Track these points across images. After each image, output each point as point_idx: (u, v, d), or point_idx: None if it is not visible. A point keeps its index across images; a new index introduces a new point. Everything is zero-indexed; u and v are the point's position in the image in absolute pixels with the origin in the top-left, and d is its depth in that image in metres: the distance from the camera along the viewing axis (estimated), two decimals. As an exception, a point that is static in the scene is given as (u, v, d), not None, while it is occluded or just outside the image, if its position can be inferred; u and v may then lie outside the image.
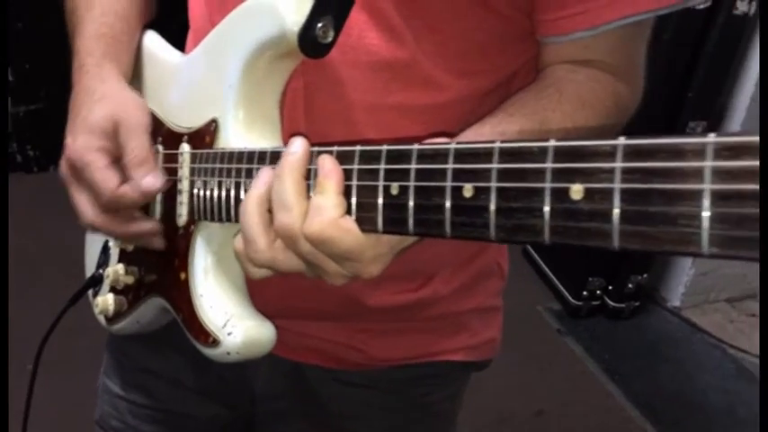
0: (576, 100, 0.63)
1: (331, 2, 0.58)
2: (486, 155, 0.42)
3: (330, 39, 0.58)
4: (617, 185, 0.35)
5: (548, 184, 0.38)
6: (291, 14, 0.58)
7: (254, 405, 0.87)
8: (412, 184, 0.46)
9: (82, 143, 0.68)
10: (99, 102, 0.70)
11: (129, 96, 0.72)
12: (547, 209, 0.38)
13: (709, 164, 0.32)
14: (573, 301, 2.32)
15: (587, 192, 0.36)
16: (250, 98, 0.65)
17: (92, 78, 0.72)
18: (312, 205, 0.50)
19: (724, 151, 0.32)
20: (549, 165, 0.38)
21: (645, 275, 2.23)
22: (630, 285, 2.26)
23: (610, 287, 2.28)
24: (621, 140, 0.35)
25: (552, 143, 0.38)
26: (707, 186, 0.32)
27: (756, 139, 0.31)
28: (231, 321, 0.64)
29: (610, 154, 0.36)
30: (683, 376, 2.12)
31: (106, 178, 0.67)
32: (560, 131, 0.61)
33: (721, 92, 2.01)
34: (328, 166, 0.50)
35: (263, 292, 0.67)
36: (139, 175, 0.66)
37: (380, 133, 0.67)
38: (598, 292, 2.30)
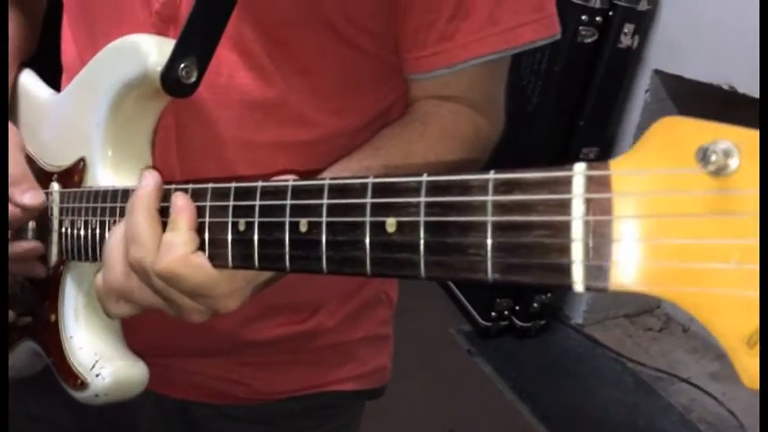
0: (438, 132, 0.67)
1: (194, 43, 0.59)
2: (317, 191, 0.44)
3: (194, 79, 0.60)
4: (422, 219, 0.39)
5: (367, 218, 0.41)
6: (153, 55, 0.60)
7: None
8: (256, 220, 0.48)
9: None
10: None
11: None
12: (367, 241, 0.41)
13: (489, 198, 0.36)
14: (482, 321, 2.39)
15: (399, 225, 0.40)
16: (118, 137, 0.66)
17: None
18: (163, 242, 0.51)
19: (501, 186, 0.36)
20: (368, 200, 0.41)
21: (549, 294, 2.32)
22: (536, 305, 2.34)
23: (517, 307, 2.36)
24: (425, 177, 0.39)
25: (371, 180, 0.42)
26: (489, 219, 0.36)
27: (527, 175, 0.35)
28: (100, 363, 0.63)
29: (416, 189, 0.39)
30: (586, 391, 2.21)
31: None
32: (424, 163, 0.65)
33: (610, 120, 2.14)
34: (180, 203, 0.52)
35: (141, 332, 0.67)
36: (18, 192, 0.66)
37: (255, 170, 0.68)
38: (506, 312, 2.37)
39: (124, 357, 0.64)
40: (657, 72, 2.10)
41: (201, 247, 0.51)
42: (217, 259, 0.51)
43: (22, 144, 0.71)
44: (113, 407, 0.79)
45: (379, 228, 0.41)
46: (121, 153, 0.67)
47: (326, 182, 0.44)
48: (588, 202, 0.33)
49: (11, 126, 0.72)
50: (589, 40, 2.02)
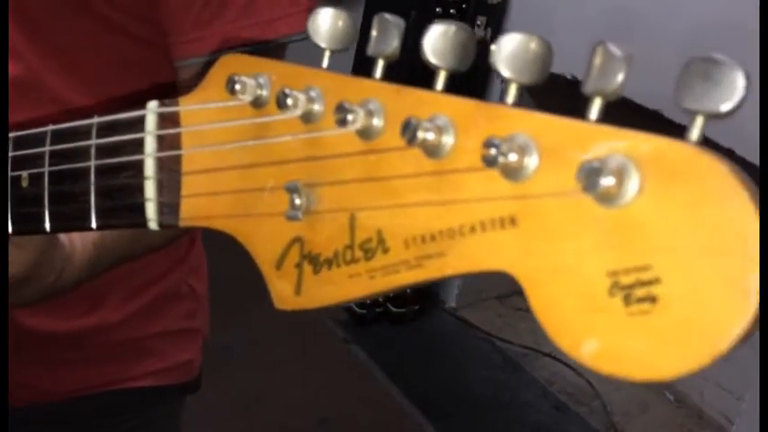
0: None
1: None
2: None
3: None
4: (46, 169, 0.38)
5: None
6: None
7: None
8: None
9: None
10: None
11: None
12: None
13: (93, 142, 0.36)
14: (358, 309, 2.41)
15: (30, 177, 0.39)
16: None
17: None
18: None
19: (101, 130, 0.36)
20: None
21: (420, 280, 2.35)
22: (409, 290, 2.38)
23: (391, 294, 2.39)
24: (50, 127, 0.39)
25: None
26: (92, 163, 0.36)
27: (121, 116, 0.35)
28: None
29: (41, 140, 0.39)
30: (456, 371, 2.26)
31: None
32: None
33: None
34: None
35: None
36: None
37: None
38: (380, 299, 2.40)
39: None
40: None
41: None
42: None
43: None
44: None
45: (16, 181, 0.40)
46: None
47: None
48: (160, 138, 0.33)
49: None
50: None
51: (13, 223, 0.41)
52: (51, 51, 0.64)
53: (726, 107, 0.20)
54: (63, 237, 0.52)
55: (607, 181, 0.20)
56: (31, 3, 0.62)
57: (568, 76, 2.01)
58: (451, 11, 2.06)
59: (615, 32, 1.87)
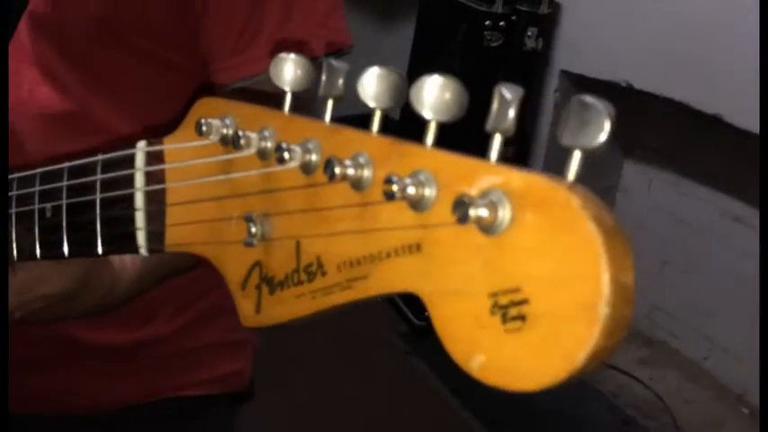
0: None
1: None
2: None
3: None
4: (64, 202, 0.43)
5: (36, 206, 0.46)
6: None
7: None
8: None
9: None
10: None
11: None
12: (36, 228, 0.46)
13: (98, 177, 0.41)
14: (417, 321, 2.43)
15: (53, 209, 0.44)
16: None
17: None
18: None
19: (105, 167, 0.40)
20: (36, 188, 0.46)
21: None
22: (467, 302, 2.38)
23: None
24: (66, 164, 0.44)
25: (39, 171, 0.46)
26: (97, 196, 0.41)
27: (116, 154, 0.39)
28: None
29: (60, 175, 0.44)
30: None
31: None
32: None
33: (523, 121, 2.18)
34: None
35: None
36: None
37: None
38: (439, 311, 2.40)
39: None
40: (564, 72, 2.16)
41: None
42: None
43: None
44: None
45: (41, 214, 0.45)
46: None
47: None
48: (148, 174, 0.37)
49: None
50: (495, 44, 2.08)
51: (40, 248, 0.47)
52: (97, 85, 0.70)
53: (595, 144, 0.22)
54: (113, 256, 0.56)
55: (477, 212, 0.22)
56: (77, 40, 0.68)
57: (623, 84, 1.99)
58: (501, 23, 2.07)
59: (667, 39, 1.84)
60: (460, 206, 0.23)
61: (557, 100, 2.19)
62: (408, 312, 2.47)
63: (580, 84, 2.15)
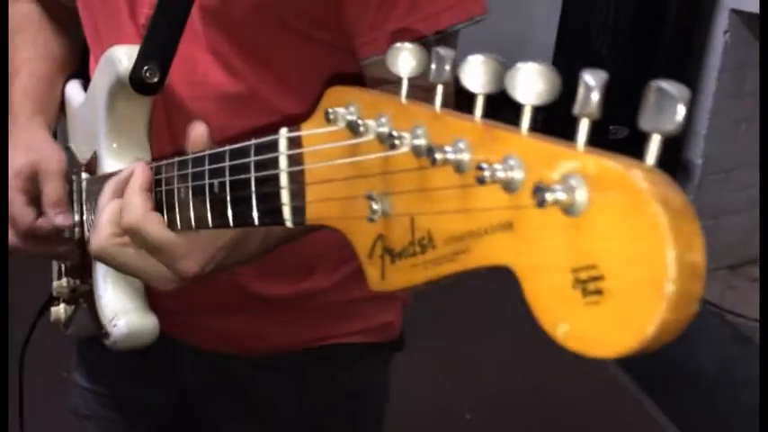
0: None
1: (153, 50, 0.73)
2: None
3: (156, 79, 0.72)
4: (227, 179, 0.51)
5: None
6: (123, 62, 0.74)
7: (190, 392, 1.01)
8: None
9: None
10: (23, 150, 0.86)
11: (49, 147, 0.87)
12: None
13: (252, 159, 0.47)
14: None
15: (220, 185, 0.52)
16: (119, 132, 0.80)
17: (22, 130, 0.89)
18: (124, 202, 0.61)
19: (258, 150, 0.46)
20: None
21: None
22: (626, 260, 2.30)
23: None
24: (227, 147, 0.51)
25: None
26: (252, 175, 0.47)
27: (263, 140, 0.45)
28: (118, 315, 0.76)
29: (222, 157, 0.51)
30: (680, 346, 2.12)
31: (23, 213, 0.84)
32: None
33: (687, 66, 2.05)
34: (136, 171, 0.62)
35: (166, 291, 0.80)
36: (52, 213, 0.83)
37: None
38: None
39: (138, 311, 0.77)
40: (735, 11, 1.98)
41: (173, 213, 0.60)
42: (181, 222, 0.59)
43: (62, 171, 0.85)
44: (159, 364, 0.96)
45: (210, 188, 0.53)
46: (124, 144, 0.82)
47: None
48: (289, 157, 0.43)
49: (56, 155, 0.85)
50: None
51: (212, 219, 0.54)
52: (263, 68, 0.77)
53: (670, 128, 0.24)
54: None
55: (554, 197, 0.25)
56: (242, 27, 0.75)
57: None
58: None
59: None
60: (538, 192, 0.25)
61: (726, 43, 2.02)
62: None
63: (752, 23, 1.96)
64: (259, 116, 0.78)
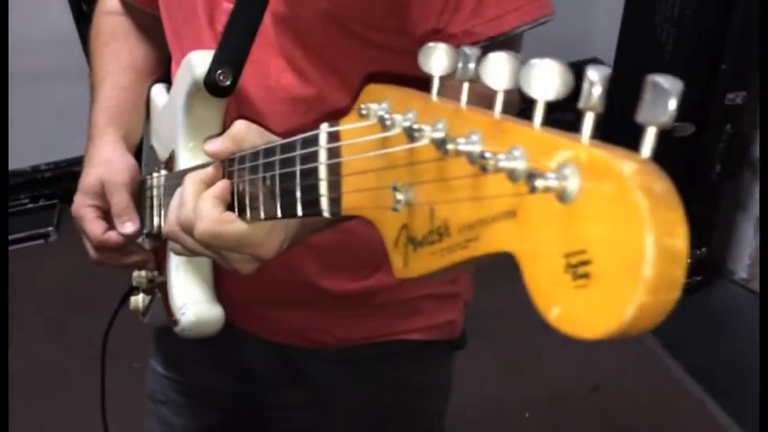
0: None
1: (227, 55, 0.76)
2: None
3: (229, 82, 0.75)
4: (276, 172, 0.54)
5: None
6: (199, 67, 0.77)
7: (256, 381, 1.06)
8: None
9: (78, 201, 0.90)
10: (93, 167, 0.91)
11: (117, 158, 0.91)
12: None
13: (298, 153, 0.50)
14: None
15: (271, 178, 0.55)
16: (195, 132, 0.83)
17: (92, 147, 0.94)
18: (196, 210, 0.62)
19: (300, 145, 0.50)
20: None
21: (703, 249, 2.22)
22: (690, 260, 2.25)
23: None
24: (279, 141, 0.54)
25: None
26: (297, 168, 0.50)
27: (306, 135, 0.48)
28: (187, 304, 0.81)
29: (273, 151, 0.54)
30: (745, 347, 2.09)
31: (93, 228, 0.88)
32: None
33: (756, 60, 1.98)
34: (208, 174, 0.65)
35: (231, 283, 0.82)
36: (119, 222, 0.88)
37: None
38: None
39: (206, 302, 0.81)
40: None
41: (232, 207, 0.63)
42: (252, 212, 0.61)
43: (128, 182, 0.89)
44: (229, 354, 1.01)
45: (263, 182, 0.57)
46: (200, 144, 0.86)
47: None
48: (329, 150, 0.46)
49: (123, 167, 0.90)
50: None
51: (264, 211, 0.57)
52: (330, 71, 0.80)
53: (664, 119, 0.26)
54: None
55: (545, 183, 0.27)
56: (310, 33, 0.78)
57: None
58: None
59: None
60: (530, 178, 0.27)
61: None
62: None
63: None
64: (326, 118, 0.81)
